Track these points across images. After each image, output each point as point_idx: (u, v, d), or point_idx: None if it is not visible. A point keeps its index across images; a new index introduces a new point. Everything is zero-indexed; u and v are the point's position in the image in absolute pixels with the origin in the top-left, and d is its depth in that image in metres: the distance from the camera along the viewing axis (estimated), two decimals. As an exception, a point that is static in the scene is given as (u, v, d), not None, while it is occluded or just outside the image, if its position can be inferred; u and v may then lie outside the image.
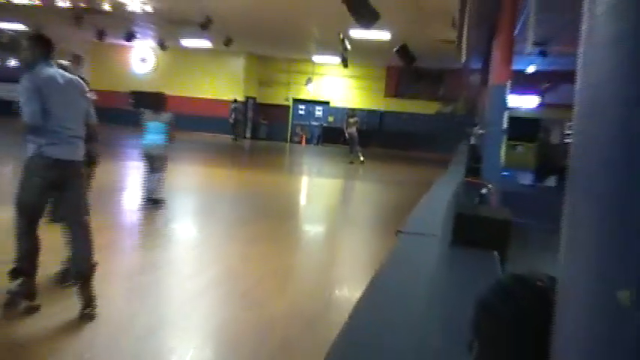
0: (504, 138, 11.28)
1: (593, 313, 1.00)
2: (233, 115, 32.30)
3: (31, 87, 5.97)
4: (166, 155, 12.79)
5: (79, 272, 6.29)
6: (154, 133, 12.56)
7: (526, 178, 23.83)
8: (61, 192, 6.30)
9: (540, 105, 30.35)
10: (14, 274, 6.16)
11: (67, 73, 6.41)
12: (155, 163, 12.57)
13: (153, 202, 12.56)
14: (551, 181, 22.32)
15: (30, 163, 6.16)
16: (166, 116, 12.62)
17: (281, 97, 36.36)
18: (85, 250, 6.35)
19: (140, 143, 12.93)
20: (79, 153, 6.39)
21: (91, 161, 7.37)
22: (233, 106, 32.33)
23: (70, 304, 6.43)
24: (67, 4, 18.51)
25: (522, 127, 25.52)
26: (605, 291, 0.96)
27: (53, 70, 6.19)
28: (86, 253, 6.37)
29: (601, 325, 0.98)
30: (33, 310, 6.14)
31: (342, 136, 28.35)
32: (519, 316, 1.36)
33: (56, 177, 6.20)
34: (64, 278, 6.77)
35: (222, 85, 33.91)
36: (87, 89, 6.71)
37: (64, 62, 7.02)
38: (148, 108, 12.55)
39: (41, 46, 6.19)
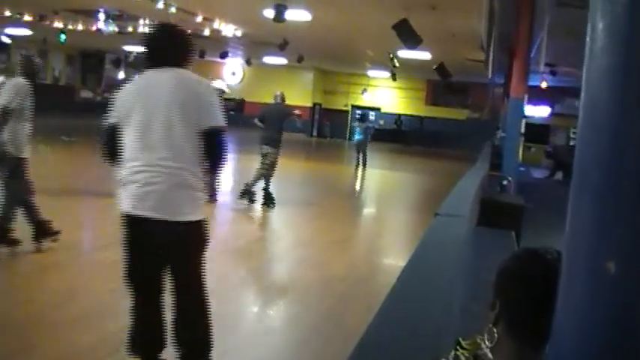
0: (521, 140, 11.16)
1: (589, 279, 1.03)
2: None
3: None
4: (366, 144, 19.04)
5: None
6: (358, 134, 19.04)
7: (538, 173, 23.49)
8: None
9: (550, 114, 29.81)
10: None
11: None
12: (361, 149, 18.91)
13: (363, 166, 18.98)
14: (558, 176, 21.97)
15: None
16: (365, 124, 19.41)
17: (341, 103, 36.28)
18: None
19: (352, 140, 19.94)
20: None
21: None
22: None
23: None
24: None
25: (536, 131, 25.11)
26: (597, 262, 0.99)
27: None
28: None
29: (594, 288, 1.02)
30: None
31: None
32: (530, 281, 1.39)
33: None
34: None
35: (295, 93, 33.91)
36: None
37: None
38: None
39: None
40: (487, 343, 1.45)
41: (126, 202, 3.44)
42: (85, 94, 35.39)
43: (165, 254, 3.54)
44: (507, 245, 6.15)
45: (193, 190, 3.47)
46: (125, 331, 4.64)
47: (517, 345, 1.39)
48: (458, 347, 1.53)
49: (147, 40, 3.76)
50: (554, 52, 13.32)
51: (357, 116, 20.44)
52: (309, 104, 33.96)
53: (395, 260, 7.86)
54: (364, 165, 19.11)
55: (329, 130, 36.27)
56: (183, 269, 3.62)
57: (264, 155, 10.55)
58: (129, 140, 3.45)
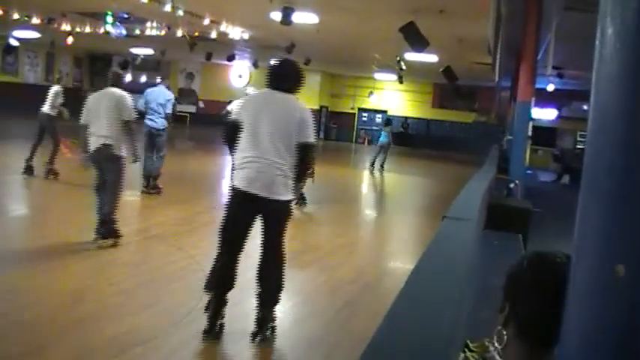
0: (529, 143, 11.13)
1: (597, 282, 1.04)
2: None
3: (144, 97, 11.02)
4: (389, 146, 20.27)
5: (152, 176, 10.88)
6: (384, 137, 20.23)
7: (545, 177, 23.44)
8: (154, 140, 10.88)
9: (557, 117, 29.75)
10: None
11: (163, 88, 11.26)
12: (384, 150, 20.04)
13: (380, 168, 20.06)
14: (565, 179, 21.93)
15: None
16: (389, 128, 20.82)
17: (348, 106, 36.26)
18: (157, 165, 10.92)
19: (378, 141, 20.71)
20: (159, 124, 10.83)
21: None
22: None
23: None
24: (185, 34, 18.82)
25: (543, 135, 25.07)
26: (606, 265, 1.00)
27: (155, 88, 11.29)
28: (157, 166, 10.94)
29: (602, 291, 1.03)
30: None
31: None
32: (539, 284, 1.40)
33: (150, 135, 10.80)
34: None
35: (301, 96, 33.58)
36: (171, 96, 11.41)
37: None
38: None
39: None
40: (496, 345, 1.45)
41: (239, 181, 4.70)
42: (93, 96, 35.51)
43: (263, 222, 4.84)
44: (515, 249, 6.15)
45: (288, 179, 4.75)
46: (131, 333, 4.67)
47: (526, 347, 1.40)
48: (466, 350, 1.54)
49: (274, 68, 5.00)
50: (561, 55, 13.29)
51: (384, 120, 22.89)
52: (316, 107, 33.97)
53: (403, 264, 7.86)
54: (382, 166, 20.12)
55: (335, 132, 36.30)
56: (273, 232, 4.90)
57: None
58: (244, 136, 4.73)
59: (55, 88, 11.98)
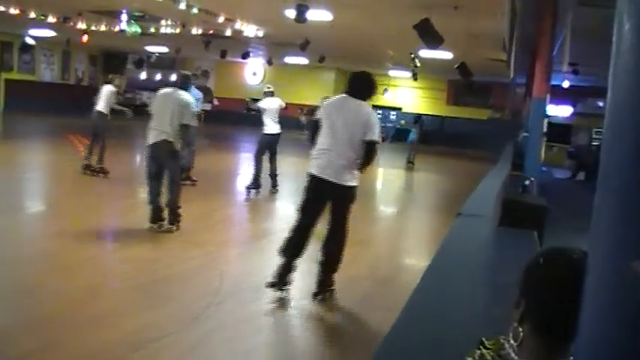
0: (543, 140, 11.06)
1: (614, 278, 1.04)
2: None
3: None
4: (418, 143, 21.44)
5: (185, 168, 10.64)
6: (412, 134, 21.60)
7: (560, 173, 23.30)
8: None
9: (573, 114, 29.52)
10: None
11: (193, 88, 10.32)
12: (414, 147, 21.26)
13: (410, 163, 21.13)
14: (580, 176, 21.80)
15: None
16: (417, 125, 22.10)
17: (362, 103, 36.19)
18: (189, 158, 11.20)
19: (408, 139, 21.87)
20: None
21: None
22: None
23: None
24: (199, 32, 18.84)
25: (558, 131, 24.90)
26: (622, 261, 0.99)
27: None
28: (190, 159, 11.21)
29: (619, 287, 1.02)
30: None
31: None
32: (556, 280, 1.40)
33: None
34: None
35: (316, 93, 33.86)
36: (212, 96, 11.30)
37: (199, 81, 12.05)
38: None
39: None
40: (512, 341, 1.45)
41: (315, 168, 5.73)
42: (108, 94, 35.65)
43: (331, 202, 5.82)
44: (530, 245, 6.10)
45: (353, 168, 5.74)
46: (148, 329, 4.71)
47: (543, 343, 1.39)
48: (481, 347, 1.54)
49: (352, 78, 6.08)
50: (576, 51, 13.19)
51: (413, 119, 24.18)
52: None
53: (417, 260, 7.84)
54: (410, 162, 21.34)
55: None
56: (339, 212, 5.91)
57: None
58: (322, 132, 5.76)
59: (108, 88, 12.45)
